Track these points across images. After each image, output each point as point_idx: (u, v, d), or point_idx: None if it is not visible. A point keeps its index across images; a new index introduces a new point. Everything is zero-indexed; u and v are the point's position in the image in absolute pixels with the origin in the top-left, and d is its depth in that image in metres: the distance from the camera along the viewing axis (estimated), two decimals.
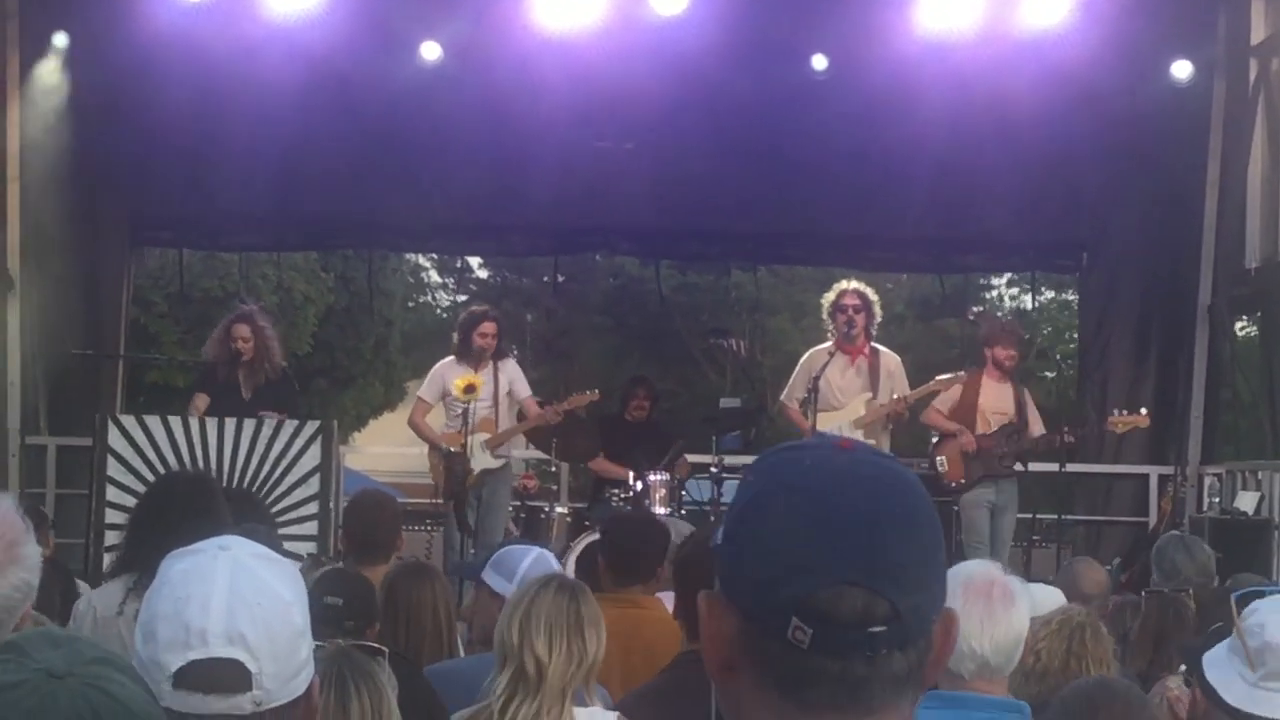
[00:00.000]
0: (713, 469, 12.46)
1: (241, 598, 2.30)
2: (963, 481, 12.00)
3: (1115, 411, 12.45)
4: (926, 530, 1.77)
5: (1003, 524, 12.08)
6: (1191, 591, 7.03)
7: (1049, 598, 6.06)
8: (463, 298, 38.61)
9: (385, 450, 21.06)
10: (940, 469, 12.09)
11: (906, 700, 1.76)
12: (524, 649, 4.49)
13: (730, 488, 12.01)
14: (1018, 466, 12.09)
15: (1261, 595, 4.15)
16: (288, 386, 11.79)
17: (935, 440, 12.28)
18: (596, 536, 9.23)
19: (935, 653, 1.77)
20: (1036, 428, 12.23)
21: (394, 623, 5.78)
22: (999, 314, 13.97)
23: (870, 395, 12.04)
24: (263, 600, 2.32)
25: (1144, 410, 12.34)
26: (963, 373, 12.74)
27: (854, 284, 12.41)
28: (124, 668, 1.80)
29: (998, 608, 3.95)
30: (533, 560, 5.69)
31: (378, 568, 6.74)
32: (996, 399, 12.11)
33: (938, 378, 12.48)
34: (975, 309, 37.32)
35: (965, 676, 3.90)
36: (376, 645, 3.50)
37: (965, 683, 3.88)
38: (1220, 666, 3.98)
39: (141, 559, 5.31)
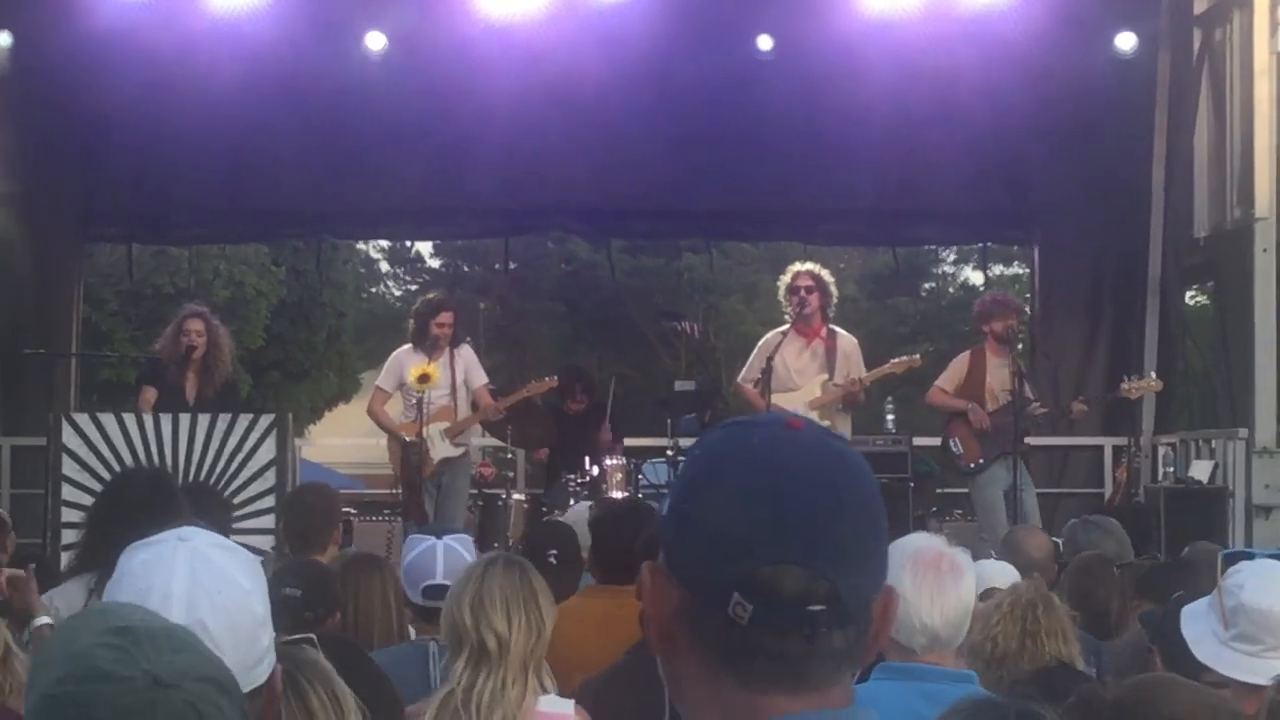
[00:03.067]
0: (669, 451, 12.47)
1: (202, 587, 2.31)
2: (980, 462, 11.81)
3: (1126, 378, 12.34)
4: (869, 512, 1.78)
5: (1029, 502, 11.76)
6: (1117, 568, 7.05)
7: (1000, 573, 6.05)
8: (414, 287, 38.57)
9: (341, 442, 21.00)
10: (955, 450, 11.90)
11: (845, 676, 1.78)
12: (480, 627, 4.44)
13: None
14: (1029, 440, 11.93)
15: (1250, 558, 4.19)
16: (232, 398, 11.68)
17: (947, 421, 12.09)
18: (550, 521, 9.25)
19: (874, 629, 1.79)
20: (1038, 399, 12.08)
21: (345, 611, 5.81)
22: (990, 292, 13.65)
23: (826, 377, 11.99)
24: (223, 590, 2.33)
25: (1154, 375, 12.32)
26: (917, 355, 12.71)
27: (808, 265, 12.38)
28: (230, 689, 1.83)
29: (947, 581, 3.97)
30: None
31: (315, 558, 6.75)
32: (1004, 375, 11.86)
33: (893, 360, 12.48)
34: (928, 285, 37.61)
35: (916, 650, 3.92)
36: (306, 635, 3.51)
37: (916, 655, 3.91)
38: (1197, 621, 4.02)
39: (100, 557, 5.30)
